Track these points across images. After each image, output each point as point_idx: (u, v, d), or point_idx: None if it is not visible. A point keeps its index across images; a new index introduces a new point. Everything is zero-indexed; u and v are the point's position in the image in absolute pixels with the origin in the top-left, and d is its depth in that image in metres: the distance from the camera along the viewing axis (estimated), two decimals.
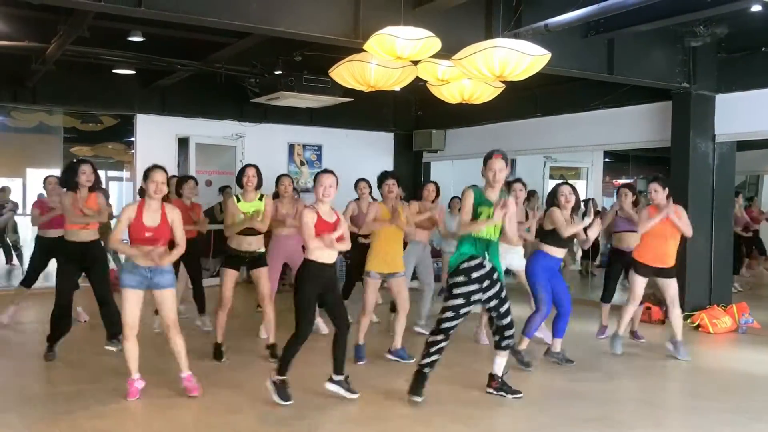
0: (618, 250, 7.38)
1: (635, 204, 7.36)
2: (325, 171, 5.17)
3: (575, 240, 6.32)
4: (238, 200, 6.22)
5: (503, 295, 5.09)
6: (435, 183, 7.61)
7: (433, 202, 7.38)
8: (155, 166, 5.18)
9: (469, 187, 5.13)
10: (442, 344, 5.05)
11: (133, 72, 10.19)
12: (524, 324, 6.16)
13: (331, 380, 5.15)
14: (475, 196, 5.04)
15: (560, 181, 6.49)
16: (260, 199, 6.24)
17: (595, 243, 7.92)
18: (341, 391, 5.12)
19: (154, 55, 9.09)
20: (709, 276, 8.65)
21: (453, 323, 5.01)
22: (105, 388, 5.37)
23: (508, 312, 5.11)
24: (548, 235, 6.13)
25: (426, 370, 5.10)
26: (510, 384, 5.30)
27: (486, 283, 5.01)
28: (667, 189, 6.48)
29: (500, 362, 5.28)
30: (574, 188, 6.21)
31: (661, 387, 6.08)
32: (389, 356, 6.43)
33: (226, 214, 6.30)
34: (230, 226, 6.16)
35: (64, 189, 6.30)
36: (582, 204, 6.28)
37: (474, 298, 5.00)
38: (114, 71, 10.03)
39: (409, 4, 6.24)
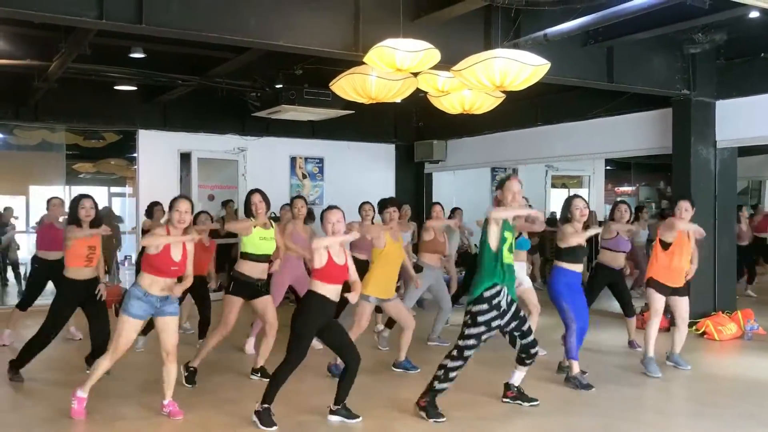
0: (605, 266, 7.20)
1: (629, 221, 7.33)
2: (330, 207, 5.06)
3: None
4: (255, 226, 6.01)
5: (521, 314, 5.15)
6: (440, 204, 7.75)
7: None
8: (181, 196, 5.21)
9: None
10: (461, 369, 5.08)
11: (135, 88, 10.23)
12: (564, 349, 6.10)
13: (331, 411, 5.04)
14: (504, 221, 5.09)
15: (572, 194, 6.46)
16: (271, 225, 6.09)
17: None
18: (344, 420, 5.00)
19: (155, 71, 9.13)
20: (713, 283, 8.63)
21: (473, 351, 5.06)
22: (109, 407, 5.36)
23: (530, 330, 5.19)
24: (564, 251, 6.00)
25: (442, 392, 5.11)
26: (525, 393, 5.37)
27: (503, 308, 5.03)
28: (695, 209, 6.47)
29: (519, 375, 5.41)
30: (587, 203, 6.15)
31: (666, 395, 6.05)
32: (394, 369, 6.45)
33: (239, 222, 6.20)
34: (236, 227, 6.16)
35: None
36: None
37: (494, 324, 5.03)
38: (115, 87, 10.07)
39: (408, 16, 6.26)
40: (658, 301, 6.46)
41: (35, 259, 7.62)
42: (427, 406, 5.07)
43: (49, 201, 7.65)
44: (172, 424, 5.02)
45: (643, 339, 6.59)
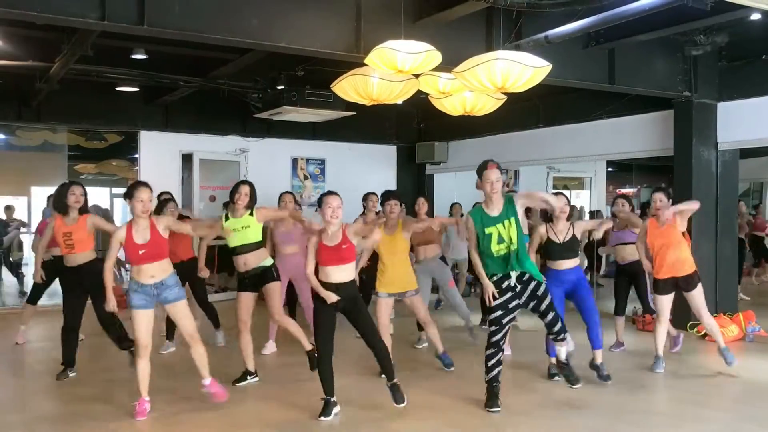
0: (616, 263, 7.39)
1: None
2: (330, 193, 5.15)
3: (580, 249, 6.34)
4: (227, 218, 5.96)
5: (539, 293, 5.23)
6: (424, 197, 7.53)
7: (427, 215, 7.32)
8: (138, 183, 5.13)
9: (468, 213, 5.37)
10: (498, 356, 5.28)
11: (137, 89, 10.24)
12: (593, 336, 6.17)
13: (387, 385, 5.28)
14: (475, 220, 5.23)
15: (555, 191, 6.52)
16: (250, 214, 5.96)
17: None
18: (391, 399, 5.21)
19: (157, 72, 9.14)
20: (715, 284, 8.62)
21: (500, 335, 5.25)
22: (112, 407, 5.38)
23: (548, 309, 5.28)
24: (544, 251, 6.16)
25: (494, 384, 5.30)
26: (573, 371, 5.71)
27: (519, 288, 5.20)
28: (670, 201, 6.47)
29: (561, 350, 5.65)
30: (569, 199, 6.29)
31: (667, 396, 6.06)
32: (437, 360, 6.53)
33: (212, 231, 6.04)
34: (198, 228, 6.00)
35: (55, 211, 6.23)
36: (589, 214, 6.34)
37: (512, 305, 5.22)
38: (117, 89, 10.09)
39: (410, 18, 6.27)
40: (658, 301, 6.50)
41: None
42: (486, 397, 5.31)
43: (49, 198, 7.76)
44: (174, 424, 5.02)
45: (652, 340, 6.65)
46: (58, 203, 6.11)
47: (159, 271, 5.05)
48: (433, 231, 7.16)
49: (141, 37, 7.04)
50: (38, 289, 7.66)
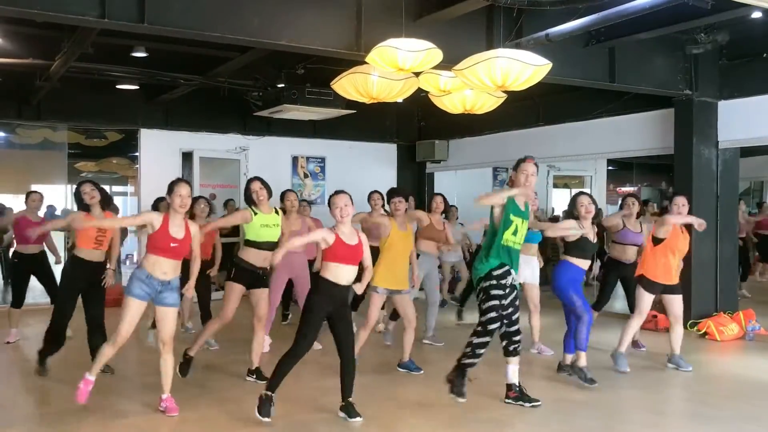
0: (615, 261, 7.27)
1: (639, 215, 7.35)
2: (338, 192, 5.08)
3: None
4: (256, 213, 5.92)
5: (516, 303, 5.26)
6: (442, 195, 7.58)
7: (442, 213, 7.38)
8: (178, 179, 5.21)
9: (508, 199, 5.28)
10: (487, 345, 5.20)
11: (137, 87, 10.25)
12: (572, 339, 6.07)
13: (340, 407, 5.05)
14: (508, 204, 5.16)
15: (578, 192, 6.48)
16: (276, 212, 6.03)
17: (601, 251, 7.84)
18: (346, 417, 4.98)
19: (158, 70, 9.15)
20: (715, 283, 8.62)
21: (497, 323, 5.18)
22: (111, 405, 5.38)
23: (518, 320, 5.26)
24: (572, 246, 6.02)
25: (468, 369, 5.25)
26: (527, 392, 5.36)
27: (507, 290, 5.19)
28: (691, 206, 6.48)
29: (513, 369, 5.35)
30: (593, 199, 6.18)
31: (668, 396, 6.05)
32: (399, 369, 6.45)
33: (232, 216, 6.08)
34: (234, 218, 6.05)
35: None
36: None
37: (503, 302, 5.18)
38: (118, 87, 10.09)
39: (411, 16, 6.27)
40: (646, 300, 6.45)
41: (14, 254, 7.82)
42: (454, 380, 5.22)
43: (27, 195, 7.76)
44: (172, 422, 5.02)
45: (668, 341, 6.57)
46: (80, 204, 6.15)
47: (171, 271, 5.06)
48: (437, 231, 7.21)
49: (141, 35, 7.04)
50: (20, 292, 7.65)
